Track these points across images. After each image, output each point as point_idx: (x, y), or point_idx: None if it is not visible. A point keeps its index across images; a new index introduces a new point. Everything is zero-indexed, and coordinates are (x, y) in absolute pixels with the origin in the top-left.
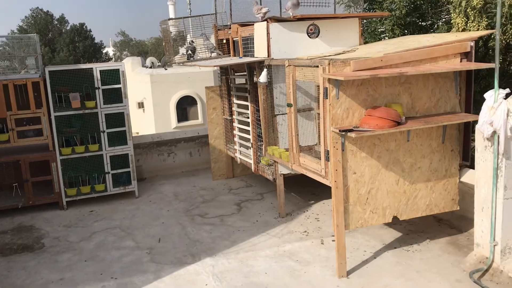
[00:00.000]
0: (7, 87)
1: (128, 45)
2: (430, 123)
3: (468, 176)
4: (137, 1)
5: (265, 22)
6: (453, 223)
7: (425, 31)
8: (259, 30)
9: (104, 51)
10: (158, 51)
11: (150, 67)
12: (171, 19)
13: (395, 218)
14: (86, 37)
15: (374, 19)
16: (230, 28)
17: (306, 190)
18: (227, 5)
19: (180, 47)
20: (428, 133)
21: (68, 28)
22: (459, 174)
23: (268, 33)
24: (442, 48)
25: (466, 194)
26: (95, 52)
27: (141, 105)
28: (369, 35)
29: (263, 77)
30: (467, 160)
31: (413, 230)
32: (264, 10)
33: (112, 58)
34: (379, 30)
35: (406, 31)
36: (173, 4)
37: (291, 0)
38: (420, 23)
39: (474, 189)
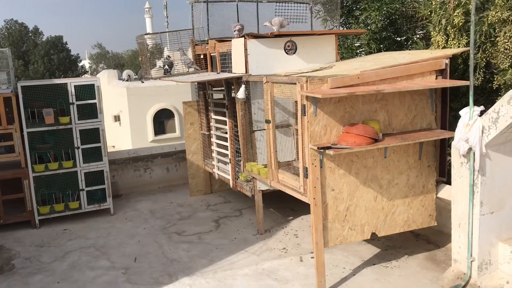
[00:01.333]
0: None
1: (105, 57)
2: (407, 140)
3: (445, 192)
4: (114, 13)
5: (243, 38)
6: (430, 238)
7: (400, 46)
8: (236, 46)
9: (80, 64)
10: (135, 63)
11: (127, 80)
12: (148, 34)
13: (373, 234)
14: (61, 50)
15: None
16: (207, 43)
17: (285, 206)
18: (204, 21)
19: (157, 60)
20: (405, 149)
21: (43, 40)
22: (436, 190)
23: (246, 49)
24: (418, 66)
25: (443, 209)
26: (70, 64)
27: (117, 118)
28: (346, 49)
29: (241, 93)
30: (444, 176)
31: (391, 246)
32: (238, 27)
33: (88, 71)
34: (355, 45)
35: (381, 45)
36: (150, 17)
37: (280, 19)
38: (395, 38)
39: (451, 205)
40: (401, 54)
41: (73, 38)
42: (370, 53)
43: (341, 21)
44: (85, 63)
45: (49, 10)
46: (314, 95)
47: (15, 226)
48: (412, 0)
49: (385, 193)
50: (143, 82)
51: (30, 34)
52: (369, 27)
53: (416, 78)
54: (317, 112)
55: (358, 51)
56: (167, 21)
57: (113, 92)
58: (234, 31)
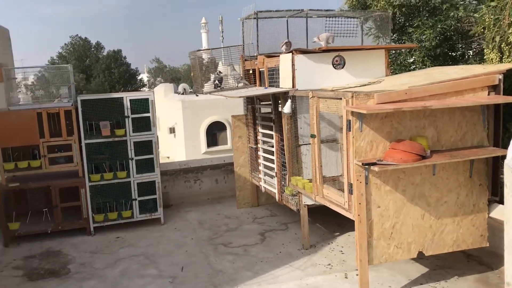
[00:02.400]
0: (41, 115)
1: (162, 71)
2: (456, 157)
3: (498, 212)
4: (172, 29)
5: (290, 53)
6: (483, 259)
7: (455, 62)
8: (284, 61)
9: (138, 78)
10: (191, 77)
11: (182, 93)
12: (200, 50)
13: (420, 253)
14: (121, 64)
15: (403, 50)
16: (256, 58)
17: (331, 221)
18: (254, 37)
19: (211, 74)
20: (454, 167)
21: (104, 54)
22: (488, 209)
23: (293, 64)
24: (469, 81)
25: (496, 230)
26: (130, 78)
27: (172, 130)
28: (398, 66)
29: (287, 108)
30: (496, 195)
31: (440, 266)
32: (284, 45)
33: (146, 84)
34: (408, 61)
35: (436, 62)
36: (206, 32)
37: (328, 33)
38: (450, 53)
39: (504, 225)
40: (453, 69)
41: (133, 53)
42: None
43: (393, 37)
44: (144, 76)
45: (110, 25)
46: (359, 110)
47: (72, 233)
48: (467, 15)
49: (433, 211)
50: (197, 95)
51: (93, 49)
52: (422, 44)
53: (466, 94)
54: (362, 127)
55: (411, 67)
56: (222, 36)
57: (169, 105)
58: (281, 46)
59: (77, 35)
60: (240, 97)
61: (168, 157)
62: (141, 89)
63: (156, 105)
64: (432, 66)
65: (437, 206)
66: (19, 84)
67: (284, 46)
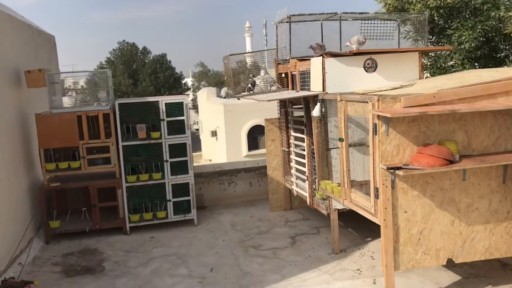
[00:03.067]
0: (80, 118)
1: (206, 75)
2: (485, 162)
3: None
4: (216, 33)
5: (321, 57)
6: None
7: (498, 64)
8: (315, 64)
9: (183, 82)
10: (234, 81)
11: (225, 97)
12: (233, 54)
13: (450, 260)
14: (167, 68)
15: (443, 53)
16: (289, 62)
17: (363, 226)
18: (287, 40)
19: (251, 76)
20: (486, 172)
21: (150, 58)
22: None
23: (323, 68)
24: (501, 84)
25: None
26: (175, 82)
27: (214, 133)
28: (438, 69)
29: (316, 111)
30: None
31: (474, 274)
32: (314, 46)
33: (190, 88)
34: (448, 64)
35: (477, 64)
36: (250, 36)
37: (358, 36)
38: (493, 55)
39: None
40: (488, 72)
41: (178, 57)
42: None
43: (432, 40)
44: (188, 81)
45: (157, 31)
46: (384, 114)
47: (109, 231)
48: (510, 15)
49: (463, 218)
50: (239, 99)
51: (139, 54)
52: (462, 46)
53: (499, 97)
54: (389, 131)
55: (452, 70)
56: (266, 39)
57: (212, 109)
58: (312, 49)
59: (124, 40)
60: (269, 100)
61: (210, 160)
62: (185, 93)
63: (199, 109)
64: (471, 69)
65: (467, 212)
66: (68, 88)
67: (314, 50)
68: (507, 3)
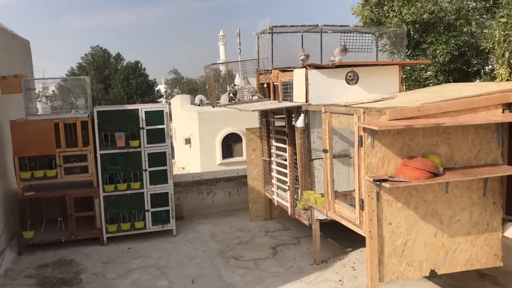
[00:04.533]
0: (57, 126)
1: (180, 83)
2: (469, 175)
3: None
4: (190, 41)
5: (304, 68)
6: (497, 279)
7: (470, 78)
8: (298, 76)
9: (156, 89)
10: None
11: (199, 105)
12: (215, 63)
13: (432, 271)
14: (140, 75)
15: (418, 66)
16: (271, 72)
17: (344, 236)
18: (269, 51)
19: (228, 86)
20: (468, 185)
21: (123, 65)
22: (503, 228)
23: (306, 79)
24: (482, 99)
25: (511, 249)
26: (147, 89)
27: (188, 141)
28: (413, 81)
29: (300, 122)
30: (511, 214)
31: (453, 285)
32: (302, 56)
33: (163, 95)
34: (423, 76)
35: (450, 77)
36: (224, 45)
37: (339, 46)
38: (465, 69)
39: None
40: (467, 86)
41: (151, 64)
42: (438, 84)
43: (408, 53)
44: (161, 87)
45: (131, 37)
46: (371, 126)
47: (85, 242)
48: (481, 31)
49: (446, 229)
50: (214, 107)
51: (112, 60)
52: (436, 59)
53: (480, 111)
54: (374, 143)
55: (426, 83)
56: (239, 48)
57: (185, 116)
58: (300, 57)
59: (98, 45)
60: (253, 110)
61: (184, 168)
62: (158, 100)
63: (173, 116)
64: (445, 81)
65: (450, 224)
66: (39, 94)
67: (302, 57)
68: (479, 19)
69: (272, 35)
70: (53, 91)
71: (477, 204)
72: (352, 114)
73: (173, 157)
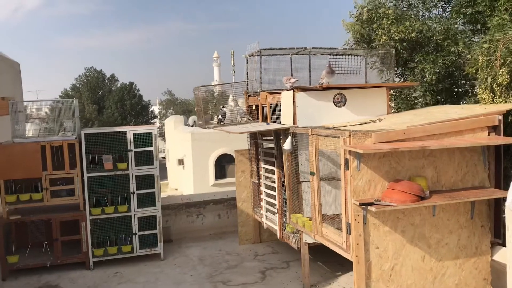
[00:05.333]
0: (44, 148)
1: (174, 103)
2: (455, 198)
3: (502, 255)
4: (184, 62)
5: (292, 90)
6: None
7: (459, 98)
8: (286, 98)
9: (150, 109)
10: (203, 111)
11: (192, 126)
12: (203, 86)
13: None
14: (134, 96)
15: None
16: (259, 94)
17: (333, 260)
18: (258, 73)
19: (221, 107)
20: (455, 208)
21: (118, 86)
22: (492, 252)
23: (294, 101)
24: (468, 122)
25: (501, 273)
26: (142, 110)
27: (181, 162)
28: (402, 100)
29: (287, 144)
30: (499, 237)
31: None
32: (292, 80)
33: (157, 116)
34: (412, 96)
35: (438, 97)
36: (218, 66)
37: (326, 68)
38: (453, 89)
39: (507, 269)
40: (454, 108)
41: (146, 85)
42: (427, 104)
43: (397, 72)
44: (155, 108)
45: (124, 58)
46: (356, 149)
47: (71, 266)
48: (469, 50)
49: (433, 253)
50: (207, 128)
51: (107, 81)
52: (425, 79)
53: (466, 134)
54: (360, 166)
55: (415, 101)
56: (233, 70)
57: (179, 137)
58: (288, 83)
59: (92, 67)
60: (241, 133)
61: (177, 189)
62: (152, 121)
63: (166, 137)
64: (433, 101)
65: (437, 248)
66: (29, 116)
67: (289, 84)
68: (467, 41)
69: (260, 57)
70: (45, 112)
71: (465, 227)
72: (338, 137)
73: (166, 178)
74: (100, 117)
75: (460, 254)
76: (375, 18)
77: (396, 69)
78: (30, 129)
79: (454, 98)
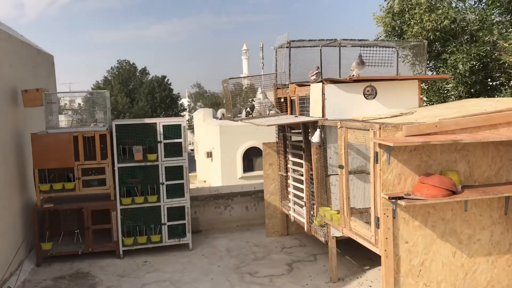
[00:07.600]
0: (77, 139)
1: (202, 96)
2: (488, 194)
3: None
4: (214, 55)
5: (321, 83)
6: None
7: (493, 91)
8: (314, 90)
9: (180, 102)
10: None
11: (221, 118)
12: (232, 78)
13: None
14: (164, 89)
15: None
16: (288, 87)
17: (361, 254)
18: (287, 66)
19: (250, 99)
20: (488, 203)
21: (148, 79)
22: None
23: (323, 94)
24: (503, 115)
25: None
26: (171, 102)
27: (209, 154)
28: (434, 93)
29: (316, 137)
30: None
31: None
32: (314, 72)
33: (186, 109)
34: (445, 88)
35: (472, 89)
36: (247, 59)
37: (356, 59)
38: (488, 82)
39: None
40: (488, 101)
41: (176, 78)
42: (459, 97)
43: (429, 65)
44: (185, 101)
45: (154, 51)
46: (386, 142)
47: (101, 255)
48: (505, 39)
49: (465, 249)
50: (236, 121)
51: (138, 74)
52: (458, 70)
53: (501, 127)
54: (390, 160)
55: (447, 94)
56: (262, 62)
57: (207, 130)
58: (311, 76)
59: (125, 60)
60: (269, 125)
61: (205, 181)
62: (182, 114)
63: (195, 130)
64: (466, 93)
65: (469, 243)
66: (62, 107)
67: (314, 76)
68: (504, 32)
69: (289, 49)
70: (78, 104)
71: (498, 224)
72: (368, 130)
73: (194, 170)
74: (131, 109)
75: (493, 250)
76: (407, 9)
77: (428, 62)
78: (63, 120)
79: (489, 91)
